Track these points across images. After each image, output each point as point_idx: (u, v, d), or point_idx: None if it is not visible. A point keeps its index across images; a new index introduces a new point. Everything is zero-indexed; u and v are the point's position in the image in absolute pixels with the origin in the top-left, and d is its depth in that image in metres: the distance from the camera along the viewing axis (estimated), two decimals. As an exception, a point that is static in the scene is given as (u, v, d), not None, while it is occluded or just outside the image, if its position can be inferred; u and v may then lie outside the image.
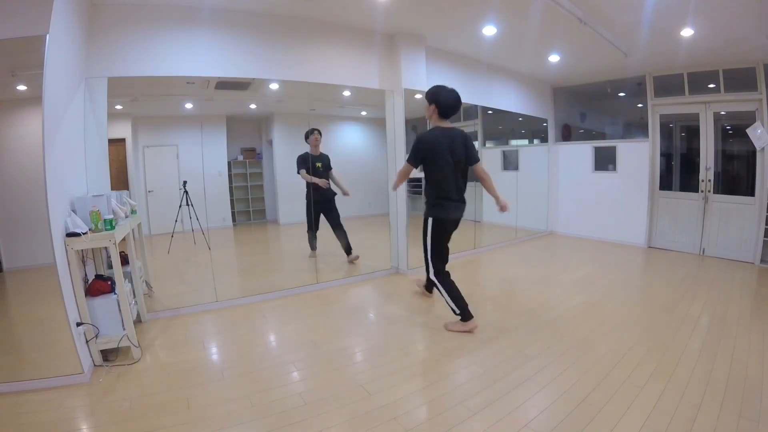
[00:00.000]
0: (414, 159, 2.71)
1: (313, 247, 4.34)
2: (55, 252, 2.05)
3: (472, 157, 2.79)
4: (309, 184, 4.11)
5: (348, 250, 4.38)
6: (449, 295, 2.79)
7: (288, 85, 3.73)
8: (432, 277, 2.88)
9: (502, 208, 2.78)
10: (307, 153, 4.17)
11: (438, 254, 2.85)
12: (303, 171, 4.12)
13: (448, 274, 2.87)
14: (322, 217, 4.26)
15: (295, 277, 3.98)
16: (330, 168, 4.28)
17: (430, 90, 2.78)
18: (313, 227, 4.23)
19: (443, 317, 2.94)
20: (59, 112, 2.25)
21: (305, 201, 4.18)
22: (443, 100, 2.71)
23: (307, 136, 4.16)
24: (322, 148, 4.26)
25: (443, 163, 2.67)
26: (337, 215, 4.29)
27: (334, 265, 4.40)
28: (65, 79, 2.37)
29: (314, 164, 4.13)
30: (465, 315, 2.75)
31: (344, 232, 4.34)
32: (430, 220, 2.79)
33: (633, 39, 3.98)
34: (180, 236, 3.90)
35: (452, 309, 2.78)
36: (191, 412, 1.88)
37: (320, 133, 4.18)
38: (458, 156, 2.71)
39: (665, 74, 4.99)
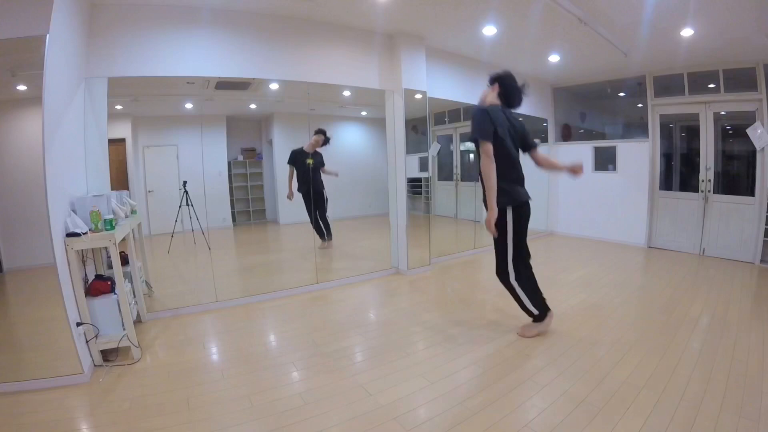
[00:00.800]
0: (488, 133, 2.29)
1: (321, 237, 4.48)
2: (55, 252, 2.05)
3: (530, 143, 2.55)
4: (300, 179, 4.34)
5: (324, 236, 4.50)
6: (527, 296, 2.51)
7: (288, 85, 3.73)
8: (512, 281, 2.51)
9: (575, 170, 2.46)
10: (301, 148, 4.32)
11: (519, 252, 2.46)
12: (293, 170, 4.36)
13: (529, 267, 2.54)
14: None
15: (295, 277, 3.97)
16: (322, 165, 4.45)
17: (496, 74, 2.53)
18: (313, 218, 4.39)
19: (443, 317, 2.94)
20: (59, 112, 2.25)
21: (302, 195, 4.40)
22: (513, 84, 2.46)
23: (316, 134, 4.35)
24: (326, 154, 4.41)
25: (512, 138, 2.40)
26: (324, 207, 4.46)
27: (334, 263, 4.40)
28: (65, 79, 2.37)
29: (305, 161, 4.27)
30: (543, 312, 2.56)
31: (327, 223, 4.51)
32: (509, 210, 2.34)
33: (633, 39, 3.98)
34: (180, 236, 3.90)
35: (530, 311, 2.57)
36: (191, 412, 1.88)
37: (325, 140, 4.34)
38: (520, 134, 2.49)
39: (665, 74, 4.99)
